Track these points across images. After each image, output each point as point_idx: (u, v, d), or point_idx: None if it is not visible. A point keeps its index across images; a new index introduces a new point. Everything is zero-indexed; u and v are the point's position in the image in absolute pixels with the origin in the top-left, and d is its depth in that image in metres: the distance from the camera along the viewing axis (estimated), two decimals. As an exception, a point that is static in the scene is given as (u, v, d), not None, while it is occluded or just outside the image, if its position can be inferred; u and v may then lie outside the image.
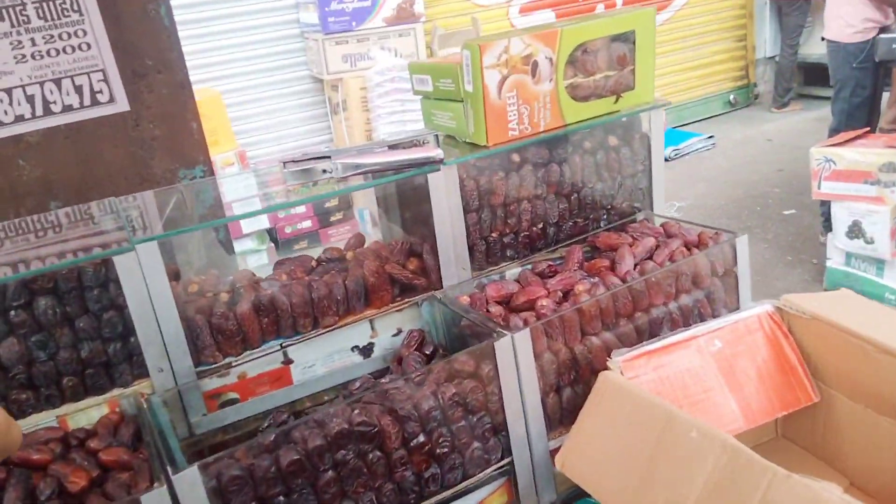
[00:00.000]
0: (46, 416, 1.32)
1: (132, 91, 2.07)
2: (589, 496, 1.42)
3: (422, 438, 1.38)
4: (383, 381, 1.53)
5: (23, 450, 1.16)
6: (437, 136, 1.65)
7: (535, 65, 1.59)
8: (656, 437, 1.30)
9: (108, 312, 1.33)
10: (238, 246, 4.46)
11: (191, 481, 1.13)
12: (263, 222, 4.79)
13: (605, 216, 1.85)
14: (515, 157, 1.70)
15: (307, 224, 5.22)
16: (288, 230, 5.16)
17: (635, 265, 1.65)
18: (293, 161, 1.55)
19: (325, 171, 1.54)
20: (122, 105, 2.08)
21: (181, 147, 2.18)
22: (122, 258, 1.28)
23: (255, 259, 4.68)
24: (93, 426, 1.29)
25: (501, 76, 1.56)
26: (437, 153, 1.54)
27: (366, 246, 1.79)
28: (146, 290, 1.31)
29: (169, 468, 1.12)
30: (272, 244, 5.00)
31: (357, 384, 1.54)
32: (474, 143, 1.65)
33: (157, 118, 2.12)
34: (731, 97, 7.28)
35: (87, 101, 2.04)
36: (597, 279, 1.61)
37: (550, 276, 1.68)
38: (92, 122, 2.05)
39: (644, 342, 1.53)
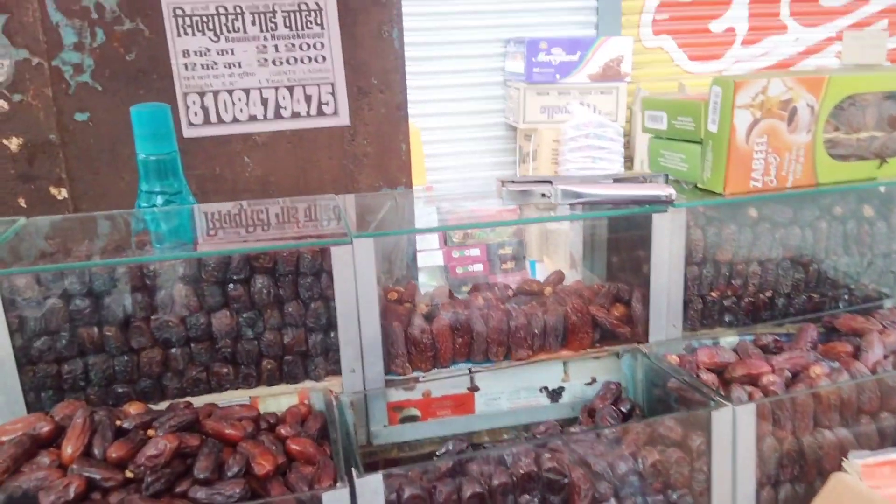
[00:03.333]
0: (240, 394, 1.33)
1: (354, 107, 2.14)
2: None
3: (613, 502, 1.22)
4: (573, 429, 1.40)
5: (218, 421, 1.16)
6: (666, 175, 1.53)
7: (794, 111, 1.42)
8: (912, 565, 1.06)
9: (316, 302, 1.32)
10: (411, 279, 4.53)
11: (373, 489, 1.06)
12: (438, 259, 4.84)
13: (845, 295, 1.61)
14: (752, 212, 1.52)
15: (478, 267, 5.21)
16: (459, 270, 5.18)
17: (885, 356, 1.40)
18: (512, 181, 1.49)
19: (543, 195, 1.46)
20: (344, 119, 2.16)
21: (388, 166, 2.23)
22: (339, 249, 1.27)
23: (424, 294, 4.72)
24: (282, 413, 1.28)
25: (753, 119, 1.41)
26: (667, 191, 1.42)
27: (566, 284, 1.69)
28: (355, 286, 1.29)
29: (354, 471, 1.06)
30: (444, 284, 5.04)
31: (542, 428, 1.42)
32: (708, 190, 1.50)
33: (371, 135, 2.19)
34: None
35: (313, 111, 2.14)
36: (837, 365, 1.38)
37: (776, 353, 1.47)
38: (313, 131, 2.14)
39: (889, 448, 1.28)
